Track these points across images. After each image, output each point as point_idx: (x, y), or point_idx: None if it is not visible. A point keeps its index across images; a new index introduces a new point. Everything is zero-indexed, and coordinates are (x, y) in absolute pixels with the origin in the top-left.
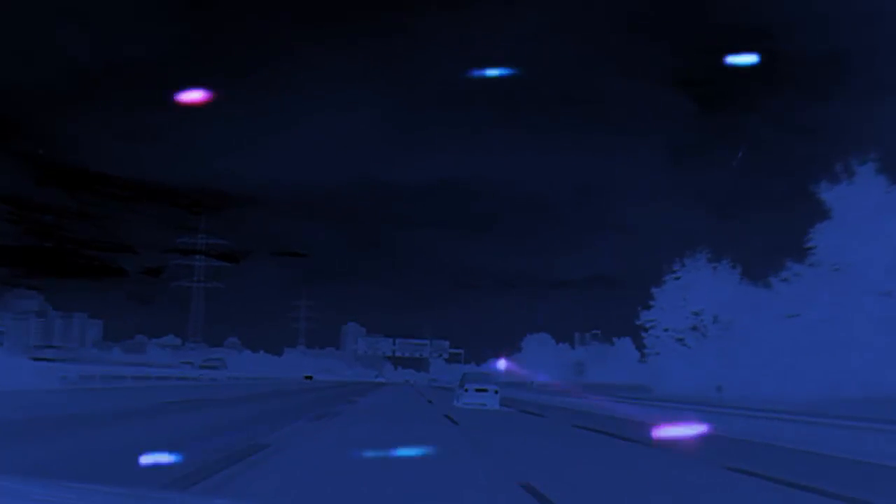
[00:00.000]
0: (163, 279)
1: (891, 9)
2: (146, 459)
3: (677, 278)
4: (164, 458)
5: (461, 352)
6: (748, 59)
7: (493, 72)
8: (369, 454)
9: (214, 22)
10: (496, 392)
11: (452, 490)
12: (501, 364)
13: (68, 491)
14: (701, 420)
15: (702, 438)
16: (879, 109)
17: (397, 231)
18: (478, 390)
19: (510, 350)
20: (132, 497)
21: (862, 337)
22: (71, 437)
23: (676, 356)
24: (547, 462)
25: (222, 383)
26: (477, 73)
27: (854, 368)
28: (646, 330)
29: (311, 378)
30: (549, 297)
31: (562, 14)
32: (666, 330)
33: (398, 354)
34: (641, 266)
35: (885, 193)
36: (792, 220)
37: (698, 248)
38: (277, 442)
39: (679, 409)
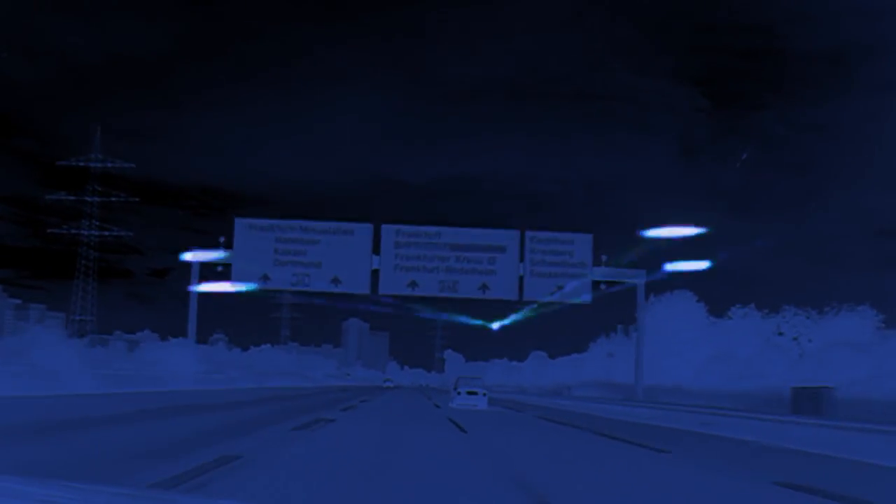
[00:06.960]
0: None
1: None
2: None
3: None
4: None
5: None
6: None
7: (503, 69)
8: None
9: (222, 20)
10: (484, 395)
11: None
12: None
13: (69, 491)
14: None
15: None
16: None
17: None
18: (469, 393)
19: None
20: (132, 497)
21: None
22: None
23: None
24: None
25: None
26: (487, 70)
27: None
28: None
29: None
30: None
31: (573, 11)
32: None
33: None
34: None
35: None
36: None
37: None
38: None
39: None
